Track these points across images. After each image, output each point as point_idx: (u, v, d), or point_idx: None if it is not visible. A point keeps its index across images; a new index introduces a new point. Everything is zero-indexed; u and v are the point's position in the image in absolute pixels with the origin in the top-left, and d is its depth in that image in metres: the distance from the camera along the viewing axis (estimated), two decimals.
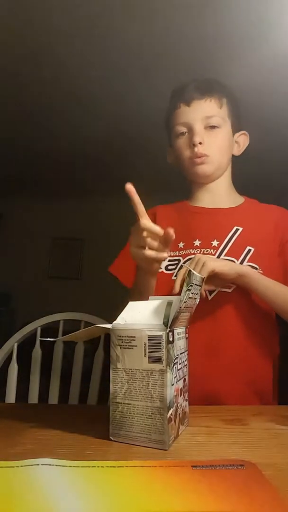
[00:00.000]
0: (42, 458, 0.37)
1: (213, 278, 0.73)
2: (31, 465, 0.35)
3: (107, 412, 0.47)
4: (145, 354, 0.45)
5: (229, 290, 0.80)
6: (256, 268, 0.82)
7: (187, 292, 0.46)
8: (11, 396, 0.98)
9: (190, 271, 0.46)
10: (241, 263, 0.83)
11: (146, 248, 0.64)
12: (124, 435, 0.45)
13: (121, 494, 0.31)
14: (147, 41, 1.76)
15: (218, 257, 0.84)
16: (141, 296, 0.73)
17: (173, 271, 0.86)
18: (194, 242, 0.88)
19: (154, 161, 3.12)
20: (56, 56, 1.87)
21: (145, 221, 0.65)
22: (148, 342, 0.45)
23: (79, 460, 0.38)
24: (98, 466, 0.36)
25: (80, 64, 1.94)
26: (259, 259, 0.84)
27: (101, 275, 4.14)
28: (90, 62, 1.92)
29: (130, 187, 0.67)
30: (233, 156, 1.04)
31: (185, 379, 0.52)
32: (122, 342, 0.47)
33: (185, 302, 0.47)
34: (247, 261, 0.84)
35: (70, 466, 0.36)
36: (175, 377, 0.47)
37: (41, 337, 1.06)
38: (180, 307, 0.46)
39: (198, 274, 0.50)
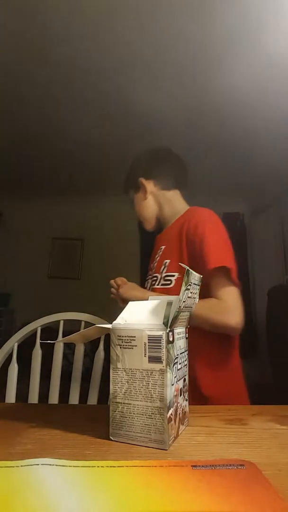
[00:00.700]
0: (42, 458, 0.37)
1: None
2: (31, 465, 0.35)
3: (107, 412, 0.47)
4: (145, 354, 0.45)
5: None
6: (173, 276, 0.94)
7: (186, 291, 0.46)
8: (11, 396, 0.98)
9: (188, 270, 0.46)
10: (162, 276, 0.99)
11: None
12: (124, 435, 0.45)
13: (121, 494, 0.31)
14: (146, 41, 1.76)
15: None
16: None
17: (165, 286, 1.01)
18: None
19: None
20: (56, 56, 1.87)
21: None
22: (148, 342, 0.45)
23: (79, 460, 0.38)
24: (98, 466, 0.36)
25: (80, 64, 1.94)
26: (172, 267, 0.96)
27: (101, 275, 4.14)
28: (90, 62, 1.92)
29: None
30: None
31: (185, 379, 0.52)
32: (122, 342, 0.47)
33: (184, 301, 0.47)
34: (165, 273, 0.97)
35: (70, 466, 0.36)
36: (175, 377, 0.47)
37: (41, 337, 1.06)
38: (180, 306, 0.46)
39: (196, 274, 0.50)
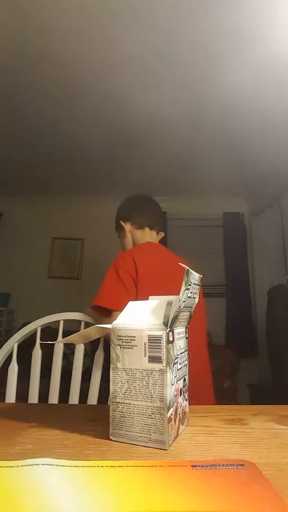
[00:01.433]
0: (42, 458, 0.37)
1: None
2: (31, 465, 0.35)
3: (107, 412, 0.47)
4: (145, 354, 0.45)
5: None
6: None
7: (186, 291, 0.46)
8: (11, 396, 0.98)
9: (188, 270, 0.46)
10: None
11: None
12: (124, 435, 0.45)
13: (121, 494, 0.31)
14: (147, 41, 1.76)
15: None
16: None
17: None
18: None
19: (154, 161, 3.13)
20: (56, 56, 1.87)
21: None
22: (148, 342, 0.45)
23: (79, 460, 0.38)
24: (98, 466, 0.36)
25: (80, 64, 1.94)
26: None
27: (101, 275, 4.13)
28: (90, 62, 1.92)
29: None
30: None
31: (185, 378, 0.52)
32: (122, 342, 0.47)
33: (184, 301, 0.47)
34: None
35: (70, 466, 0.36)
36: (175, 377, 0.47)
37: (41, 336, 1.06)
38: (180, 306, 0.46)
39: (196, 273, 0.50)
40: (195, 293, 0.51)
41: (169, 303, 0.49)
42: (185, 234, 3.97)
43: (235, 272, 3.79)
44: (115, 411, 0.46)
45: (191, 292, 0.48)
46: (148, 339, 0.45)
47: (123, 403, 0.46)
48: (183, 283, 0.46)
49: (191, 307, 0.52)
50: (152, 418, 0.44)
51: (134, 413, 0.45)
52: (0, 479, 0.33)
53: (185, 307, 0.49)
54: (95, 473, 0.35)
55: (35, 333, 1.07)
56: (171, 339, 0.46)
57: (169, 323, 0.46)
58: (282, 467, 0.39)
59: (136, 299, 1.15)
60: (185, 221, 3.98)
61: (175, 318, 0.46)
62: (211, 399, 1.25)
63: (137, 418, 0.45)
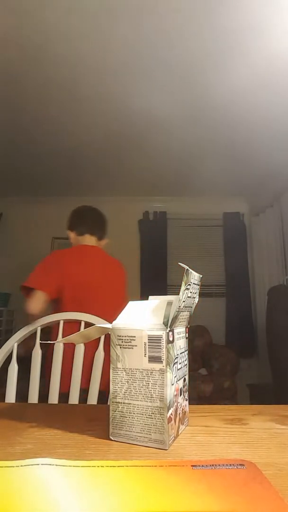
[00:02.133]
0: (42, 458, 0.37)
1: None
2: (31, 464, 0.35)
3: (107, 412, 0.47)
4: (145, 354, 0.45)
5: None
6: None
7: (186, 291, 0.46)
8: (11, 396, 0.98)
9: (188, 270, 0.46)
10: None
11: None
12: (124, 434, 0.45)
13: (121, 494, 0.31)
14: (146, 41, 1.76)
15: None
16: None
17: None
18: None
19: (154, 161, 3.13)
20: (56, 57, 1.87)
21: None
22: (148, 342, 0.45)
23: (79, 460, 0.38)
24: (98, 466, 0.36)
25: (80, 65, 1.94)
26: None
27: None
28: (90, 62, 1.92)
29: None
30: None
31: (185, 378, 0.52)
32: (122, 342, 0.47)
33: (184, 301, 0.47)
34: None
35: (70, 466, 0.36)
36: (175, 377, 0.47)
37: (41, 336, 1.06)
38: (179, 306, 0.46)
39: (196, 273, 0.50)
40: (195, 293, 0.51)
41: (169, 303, 0.49)
42: (185, 234, 3.97)
43: (235, 272, 3.79)
44: (115, 411, 0.46)
45: (190, 292, 0.48)
46: (148, 339, 0.45)
47: (123, 403, 0.46)
48: (183, 283, 0.46)
49: (191, 307, 0.52)
50: (152, 418, 0.44)
51: (134, 413, 0.45)
52: (0, 479, 0.33)
53: (185, 307, 0.49)
54: (95, 473, 0.35)
55: (35, 333, 1.07)
56: (171, 339, 0.46)
57: (169, 323, 0.46)
58: (282, 467, 0.39)
59: (59, 285, 1.40)
60: (185, 221, 3.98)
61: (175, 318, 0.46)
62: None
63: (137, 418, 0.45)
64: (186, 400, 0.52)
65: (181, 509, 0.29)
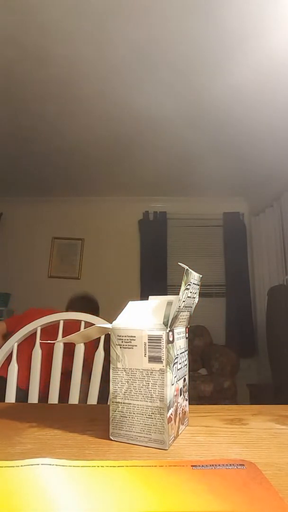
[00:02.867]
0: (42, 458, 0.37)
1: None
2: (31, 464, 0.35)
3: (107, 412, 0.47)
4: (145, 354, 0.45)
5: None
6: None
7: (186, 291, 0.46)
8: (11, 396, 0.98)
9: (187, 270, 0.46)
10: None
11: None
12: (124, 434, 0.45)
13: (121, 494, 0.31)
14: (147, 41, 1.76)
15: None
16: None
17: None
18: None
19: (154, 161, 3.13)
20: (56, 56, 1.87)
21: None
22: (148, 342, 0.45)
23: (79, 460, 0.38)
24: (98, 466, 0.36)
25: (80, 64, 1.94)
26: None
27: (101, 275, 4.16)
28: (90, 62, 1.92)
29: None
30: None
31: (185, 378, 0.52)
32: (122, 342, 0.47)
33: (184, 301, 0.47)
34: None
35: (70, 466, 0.36)
36: (175, 377, 0.47)
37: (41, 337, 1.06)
38: (179, 306, 0.46)
39: (196, 273, 0.50)
40: (195, 293, 0.51)
41: (169, 303, 0.49)
42: (185, 234, 3.98)
43: (235, 272, 3.79)
44: (115, 411, 0.46)
45: (190, 292, 0.48)
46: (148, 339, 0.45)
47: (123, 403, 0.46)
48: (183, 283, 0.46)
49: (191, 307, 0.52)
50: (152, 418, 0.44)
51: (134, 413, 0.45)
52: (0, 479, 0.33)
53: (185, 307, 0.49)
54: (95, 473, 0.35)
55: (35, 333, 1.07)
56: (171, 339, 0.46)
57: (169, 323, 0.46)
58: (282, 467, 0.39)
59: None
60: (185, 221, 3.98)
61: (175, 318, 0.46)
62: None
63: (137, 418, 0.45)
64: (186, 400, 0.52)
65: (181, 509, 0.29)
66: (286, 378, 2.31)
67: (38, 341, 1.06)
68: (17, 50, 1.82)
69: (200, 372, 3.11)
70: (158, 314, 0.48)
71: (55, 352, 1.07)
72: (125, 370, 0.46)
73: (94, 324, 0.53)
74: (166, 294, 3.41)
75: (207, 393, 2.70)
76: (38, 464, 0.35)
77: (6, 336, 1.58)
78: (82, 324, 1.08)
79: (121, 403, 0.46)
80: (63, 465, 0.36)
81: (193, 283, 0.49)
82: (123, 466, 0.36)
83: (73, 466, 0.36)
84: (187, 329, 0.54)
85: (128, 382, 0.46)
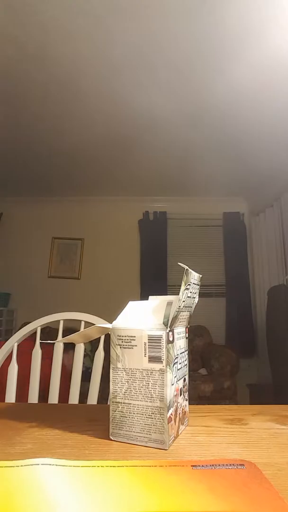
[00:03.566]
0: (42, 458, 0.37)
1: None
2: (31, 464, 0.35)
3: (107, 412, 0.47)
4: (145, 354, 0.45)
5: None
6: None
7: (186, 291, 0.46)
8: (11, 396, 0.98)
9: (187, 270, 0.46)
10: None
11: None
12: (124, 434, 0.45)
13: (121, 494, 0.31)
14: (147, 41, 1.76)
15: None
16: None
17: None
18: None
19: (154, 161, 3.13)
20: (56, 56, 1.87)
21: None
22: (148, 342, 0.45)
23: (79, 459, 0.38)
24: (98, 466, 0.36)
25: (80, 64, 1.94)
26: None
27: (101, 275, 4.15)
28: (90, 62, 1.92)
29: None
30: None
31: (185, 378, 0.52)
32: (122, 342, 0.47)
33: (184, 301, 0.47)
34: None
35: (70, 466, 0.36)
36: (175, 377, 0.47)
37: (41, 336, 1.06)
38: (179, 306, 0.46)
39: (196, 273, 0.50)
40: (195, 293, 0.51)
41: (169, 303, 0.49)
42: (185, 234, 3.98)
43: (235, 272, 3.79)
44: (115, 411, 0.46)
45: (190, 292, 0.48)
46: (148, 339, 0.45)
47: (123, 403, 0.46)
48: (183, 283, 0.46)
49: (191, 307, 0.52)
50: (152, 418, 0.44)
51: (134, 413, 0.45)
52: (0, 479, 0.33)
53: (185, 307, 0.49)
54: (95, 473, 0.35)
55: (35, 333, 1.07)
56: (171, 339, 0.46)
57: (169, 323, 0.46)
58: (282, 467, 0.39)
59: None
60: (185, 221, 3.98)
61: (175, 318, 0.46)
62: None
63: (137, 418, 0.45)
64: (186, 400, 0.52)
65: (181, 509, 0.29)
66: (286, 378, 2.31)
67: (38, 341, 1.06)
68: (16, 49, 1.82)
69: (200, 372, 3.11)
70: (158, 314, 0.48)
71: (55, 351, 1.07)
72: (125, 370, 0.46)
73: (94, 324, 0.53)
74: (166, 294, 3.41)
75: (207, 393, 2.70)
76: (38, 464, 0.35)
77: None
78: (82, 324, 1.08)
79: (121, 403, 0.46)
80: (63, 465, 0.36)
81: (193, 283, 0.49)
82: (123, 466, 0.36)
83: (73, 466, 0.36)
84: (187, 329, 0.54)
85: (128, 382, 0.46)
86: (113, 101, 2.26)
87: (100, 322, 1.03)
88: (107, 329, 0.49)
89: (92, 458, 0.40)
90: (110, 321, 0.50)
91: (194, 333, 3.43)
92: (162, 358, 0.44)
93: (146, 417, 0.44)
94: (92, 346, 2.89)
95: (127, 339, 0.46)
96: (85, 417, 0.56)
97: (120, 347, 0.47)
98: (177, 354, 0.48)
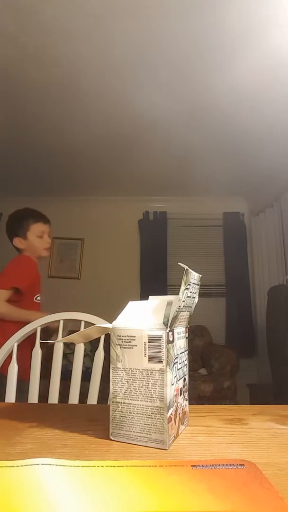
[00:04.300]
0: (42, 458, 0.37)
1: None
2: (31, 464, 0.35)
3: (107, 412, 0.47)
4: (145, 354, 0.45)
5: None
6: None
7: (185, 291, 0.46)
8: (11, 396, 0.97)
9: (187, 270, 0.46)
10: None
11: None
12: (124, 434, 0.45)
13: (121, 494, 0.31)
14: (147, 41, 1.76)
15: None
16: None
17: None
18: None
19: (154, 161, 3.12)
20: (56, 56, 1.87)
21: None
22: (148, 342, 0.45)
23: (79, 459, 0.38)
24: (98, 466, 0.36)
25: (80, 64, 1.94)
26: None
27: (101, 275, 4.14)
28: (90, 62, 1.92)
29: None
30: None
31: (185, 378, 0.52)
32: (122, 341, 0.47)
33: (183, 301, 0.47)
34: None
35: (70, 466, 0.36)
36: (175, 377, 0.47)
37: (41, 336, 1.06)
38: (179, 306, 0.46)
39: (196, 273, 0.50)
40: (195, 293, 0.51)
41: (169, 303, 0.49)
42: (185, 234, 3.98)
43: (235, 272, 3.79)
44: (115, 411, 0.46)
45: (190, 292, 0.48)
46: (148, 339, 0.45)
47: (123, 403, 0.46)
48: (183, 283, 0.46)
49: (191, 307, 0.52)
50: (152, 418, 0.44)
51: (134, 413, 0.45)
52: (0, 479, 0.33)
53: (185, 306, 0.49)
54: (95, 473, 0.35)
55: (35, 333, 1.07)
56: (171, 339, 0.46)
57: (169, 323, 0.46)
58: (282, 467, 0.39)
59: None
60: (185, 221, 3.98)
61: (175, 318, 0.46)
62: None
63: (137, 418, 0.45)
64: (186, 400, 0.52)
65: (181, 509, 0.29)
66: (286, 378, 2.31)
67: (38, 341, 1.06)
68: (16, 49, 1.82)
69: (200, 372, 3.11)
70: (158, 314, 0.48)
71: (55, 351, 1.07)
72: (125, 370, 0.46)
73: (94, 324, 0.53)
74: (166, 294, 3.41)
75: (207, 393, 2.70)
76: (38, 464, 0.35)
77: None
78: (82, 323, 1.08)
79: (121, 403, 0.46)
80: (63, 465, 0.36)
81: (193, 283, 0.49)
82: (123, 466, 0.36)
83: (73, 466, 0.36)
84: (187, 329, 0.54)
85: (128, 382, 0.46)
86: (113, 101, 2.26)
87: (100, 322, 1.03)
88: (107, 329, 0.49)
89: (92, 458, 0.40)
90: (110, 321, 0.50)
91: (194, 333, 3.43)
92: (162, 358, 0.44)
93: (146, 417, 0.44)
94: (92, 346, 2.88)
95: (127, 339, 0.46)
96: (85, 417, 0.56)
97: (120, 347, 0.47)
98: (177, 354, 0.48)
